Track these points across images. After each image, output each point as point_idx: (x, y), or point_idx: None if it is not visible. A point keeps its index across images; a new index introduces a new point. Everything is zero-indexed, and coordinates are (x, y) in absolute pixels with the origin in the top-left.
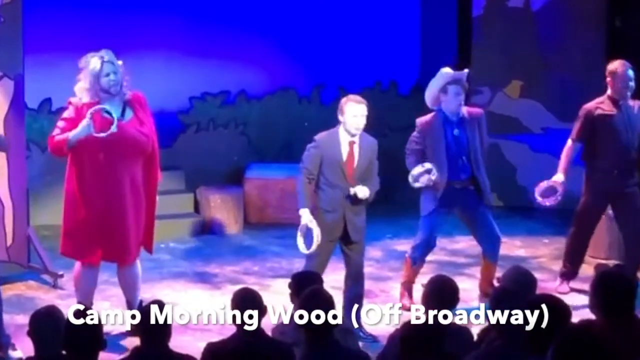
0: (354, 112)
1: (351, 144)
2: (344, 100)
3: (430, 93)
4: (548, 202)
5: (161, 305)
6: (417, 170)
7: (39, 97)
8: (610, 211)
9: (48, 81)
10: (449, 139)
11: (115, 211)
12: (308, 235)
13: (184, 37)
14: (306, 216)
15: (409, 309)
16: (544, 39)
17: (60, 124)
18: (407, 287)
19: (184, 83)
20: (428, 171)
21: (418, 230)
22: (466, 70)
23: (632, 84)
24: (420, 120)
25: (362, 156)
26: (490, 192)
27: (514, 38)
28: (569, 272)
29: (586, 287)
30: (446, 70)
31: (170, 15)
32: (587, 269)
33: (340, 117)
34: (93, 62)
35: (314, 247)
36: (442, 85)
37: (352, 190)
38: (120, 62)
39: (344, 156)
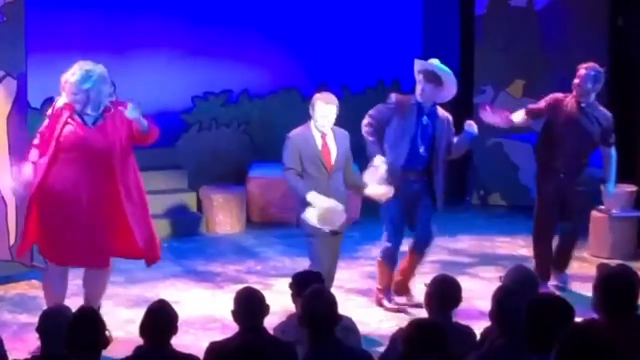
0: (322, 112)
1: (323, 136)
2: (315, 96)
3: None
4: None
5: (165, 304)
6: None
7: (42, 96)
8: (613, 210)
9: (51, 80)
10: (417, 125)
11: (79, 215)
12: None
13: (186, 37)
14: (317, 197)
15: (398, 310)
16: (547, 38)
17: (40, 132)
18: (385, 292)
19: (187, 82)
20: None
21: (384, 232)
22: (433, 60)
23: (589, 86)
24: (397, 96)
25: (338, 146)
26: (442, 198)
27: (516, 37)
28: (545, 277)
29: (589, 286)
30: (420, 60)
31: (172, 14)
32: (589, 269)
33: (311, 112)
34: (67, 73)
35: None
36: (416, 72)
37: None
38: (91, 85)
39: (320, 148)
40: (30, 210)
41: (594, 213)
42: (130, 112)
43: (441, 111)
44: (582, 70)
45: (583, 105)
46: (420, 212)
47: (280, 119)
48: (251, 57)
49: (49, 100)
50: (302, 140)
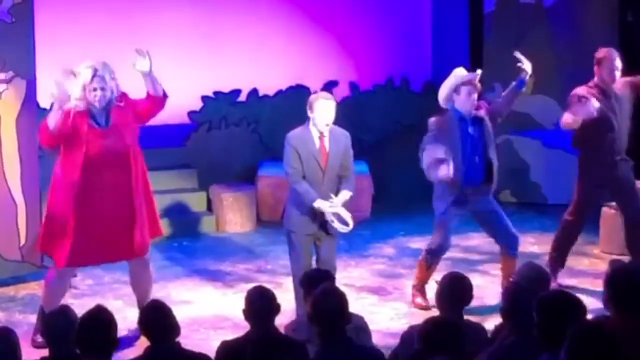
0: (323, 110)
1: (321, 137)
2: (313, 97)
3: (443, 92)
4: None
5: (159, 304)
6: (429, 156)
7: (51, 97)
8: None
9: None
10: (464, 138)
11: (101, 214)
12: (338, 218)
13: (195, 36)
14: (323, 203)
15: (426, 308)
16: (556, 34)
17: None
18: (420, 288)
19: (196, 82)
20: (441, 161)
21: (433, 230)
22: (479, 71)
23: (618, 73)
24: (434, 120)
25: (333, 147)
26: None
27: (526, 34)
28: (558, 267)
29: (600, 283)
30: (459, 71)
31: (180, 13)
32: (600, 265)
33: (309, 114)
34: (85, 73)
35: (349, 222)
36: (455, 86)
37: (334, 207)
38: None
39: (317, 148)
40: (54, 217)
41: (605, 209)
42: (141, 65)
43: (479, 111)
44: (606, 56)
45: (608, 90)
46: (492, 220)
47: (289, 118)
48: (259, 56)
49: None
50: (300, 140)
